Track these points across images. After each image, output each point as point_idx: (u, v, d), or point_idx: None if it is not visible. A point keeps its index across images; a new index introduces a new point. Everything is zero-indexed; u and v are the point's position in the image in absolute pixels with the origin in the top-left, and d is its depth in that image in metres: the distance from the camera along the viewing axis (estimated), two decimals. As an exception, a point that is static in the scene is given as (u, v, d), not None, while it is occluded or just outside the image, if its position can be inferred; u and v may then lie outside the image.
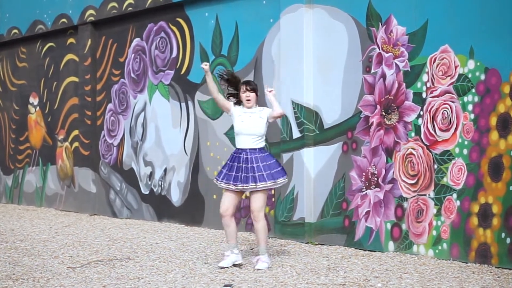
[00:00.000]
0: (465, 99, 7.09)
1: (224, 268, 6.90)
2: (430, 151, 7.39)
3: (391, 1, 7.77)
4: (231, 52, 9.60)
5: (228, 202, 7.09)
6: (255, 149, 7.00)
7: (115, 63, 11.54)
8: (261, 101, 7.63)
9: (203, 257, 7.64)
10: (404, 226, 7.62)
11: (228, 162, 7.11)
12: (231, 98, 7.24)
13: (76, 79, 12.31)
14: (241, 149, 7.03)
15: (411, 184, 7.56)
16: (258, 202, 7.00)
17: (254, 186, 6.94)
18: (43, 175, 13.13)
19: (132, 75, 11.20)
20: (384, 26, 7.84)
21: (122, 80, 11.41)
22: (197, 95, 10.12)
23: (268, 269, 6.88)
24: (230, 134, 9.55)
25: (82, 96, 12.05)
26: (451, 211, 7.20)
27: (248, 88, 7.07)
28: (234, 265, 6.98)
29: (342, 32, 8.27)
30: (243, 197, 9.32)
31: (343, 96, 8.25)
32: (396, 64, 7.70)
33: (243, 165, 6.95)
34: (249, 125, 7.00)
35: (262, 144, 7.08)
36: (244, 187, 6.97)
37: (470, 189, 7.04)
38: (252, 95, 7.06)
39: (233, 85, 7.21)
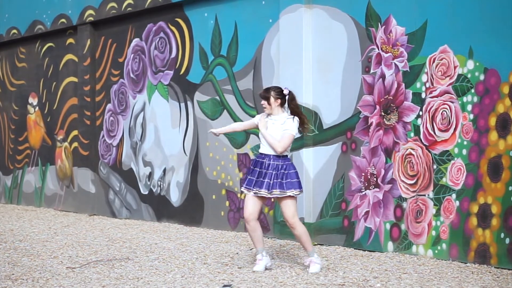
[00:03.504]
0: (465, 99, 7.10)
1: (257, 271, 6.76)
2: (430, 151, 7.39)
3: (391, 1, 7.77)
4: (231, 52, 9.61)
5: (251, 207, 6.83)
6: (278, 156, 6.78)
7: (114, 63, 11.54)
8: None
9: (202, 257, 7.63)
10: (403, 226, 7.62)
11: (251, 167, 6.90)
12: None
13: (75, 79, 12.31)
14: (264, 154, 6.83)
15: (410, 184, 7.56)
16: (289, 209, 6.77)
17: (277, 192, 6.75)
18: (42, 175, 13.13)
19: (132, 75, 11.20)
20: (384, 26, 7.84)
21: (121, 80, 11.41)
22: (196, 95, 10.12)
23: (267, 269, 6.87)
24: (230, 134, 9.54)
25: (81, 96, 12.05)
26: (450, 211, 7.20)
27: (260, 96, 6.94)
28: (266, 268, 6.83)
29: (341, 32, 8.27)
30: (242, 197, 9.33)
31: (343, 96, 8.25)
32: (395, 64, 7.71)
33: (264, 171, 6.79)
34: (271, 132, 6.81)
35: (285, 152, 6.84)
36: (261, 192, 6.78)
37: (469, 189, 7.04)
38: (265, 102, 6.86)
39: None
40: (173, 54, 10.46)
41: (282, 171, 6.77)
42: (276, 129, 6.80)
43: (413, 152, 7.54)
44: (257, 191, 6.77)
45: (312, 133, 8.52)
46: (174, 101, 10.47)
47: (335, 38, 8.32)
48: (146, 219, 10.89)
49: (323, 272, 6.69)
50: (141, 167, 11.05)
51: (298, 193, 6.76)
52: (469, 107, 7.06)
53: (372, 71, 7.95)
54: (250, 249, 8.02)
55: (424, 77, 7.45)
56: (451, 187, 7.20)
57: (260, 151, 6.90)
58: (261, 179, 6.77)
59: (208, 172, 9.90)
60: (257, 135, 7.19)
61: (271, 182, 6.74)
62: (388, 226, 7.76)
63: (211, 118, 9.88)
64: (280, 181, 6.73)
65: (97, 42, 11.89)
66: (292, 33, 8.65)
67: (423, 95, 7.45)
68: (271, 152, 6.80)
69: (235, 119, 9.41)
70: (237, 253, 7.86)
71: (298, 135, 7.19)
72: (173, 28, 10.49)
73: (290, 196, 6.73)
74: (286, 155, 6.88)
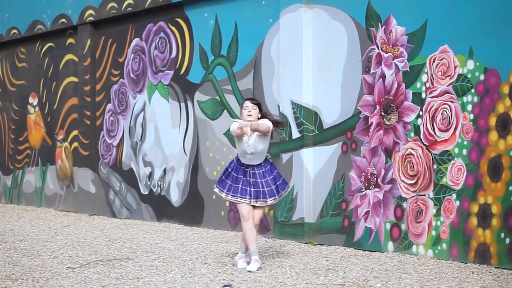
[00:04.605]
0: (465, 99, 7.10)
1: (252, 272, 6.80)
2: (430, 151, 7.39)
3: (391, 1, 7.77)
4: (231, 52, 9.61)
5: (247, 206, 6.96)
6: (261, 164, 6.99)
7: (114, 63, 11.54)
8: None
9: (202, 257, 7.63)
10: (403, 226, 7.62)
11: (233, 173, 6.99)
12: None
13: (75, 79, 12.31)
14: (246, 164, 6.97)
15: (411, 184, 7.56)
16: (258, 215, 7.05)
17: (265, 202, 6.97)
18: (43, 175, 13.13)
19: (132, 75, 11.20)
20: (384, 26, 7.84)
21: (121, 80, 11.41)
22: (196, 95, 10.12)
23: (267, 269, 6.87)
24: (230, 134, 9.53)
25: (81, 96, 12.05)
26: (451, 211, 7.20)
27: (251, 103, 6.94)
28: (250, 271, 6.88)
29: (341, 32, 8.27)
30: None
31: (343, 96, 8.25)
32: (395, 64, 7.70)
33: (252, 180, 6.93)
34: (252, 146, 6.89)
35: (265, 156, 7.04)
36: (253, 202, 6.92)
37: (470, 189, 7.04)
38: (254, 111, 6.92)
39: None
40: (173, 54, 10.46)
41: (271, 176, 7.01)
42: (258, 139, 6.89)
43: (413, 152, 7.54)
44: (254, 202, 6.95)
45: (312, 133, 8.52)
46: (174, 101, 10.47)
47: (335, 38, 8.32)
48: (146, 219, 10.89)
49: (323, 272, 6.69)
50: (141, 167, 11.05)
51: (289, 189, 7.26)
52: (469, 107, 7.06)
53: (372, 71, 7.95)
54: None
55: (424, 77, 7.45)
56: (451, 187, 7.20)
57: (242, 161, 7.00)
58: (253, 188, 6.94)
59: (208, 172, 9.90)
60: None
61: (266, 190, 6.96)
62: (388, 226, 7.76)
63: (211, 118, 9.88)
64: (275, 187, 7.00)
65: (97, 42, 11.89)
66: (292, 33, 8.65)
67: (423, 95, 7.45)
68: (254, 163, 6.97)
69: (235, 119, 9.41)
70: (237, 253, 7.85)
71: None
72: (173, 28, 10.48)
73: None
74: (266, 158, 7.07)
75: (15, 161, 13.92)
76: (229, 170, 7.05)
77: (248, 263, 6.93)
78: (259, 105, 7.03)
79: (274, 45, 8.99)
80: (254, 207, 7.00)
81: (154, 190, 10.80)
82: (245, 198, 6.92)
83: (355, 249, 8.00)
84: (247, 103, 6.99)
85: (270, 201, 6.99)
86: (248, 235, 6.95)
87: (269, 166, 7.04)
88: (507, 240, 6.73)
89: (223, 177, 7.05)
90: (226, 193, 7.00)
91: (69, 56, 12.52)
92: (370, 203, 7.94)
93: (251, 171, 6.96)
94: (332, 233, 8.32)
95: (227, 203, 9.60)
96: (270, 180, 6.97)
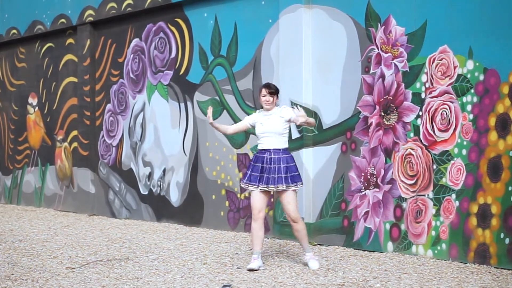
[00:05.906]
0: (464, 99, 7.10)
1: (253, 270, 6.79)
2: (429, 152, 7.39)
3: (390, 2, 7.77)
4: (230, 53, 9.60)
5: (259, 203, 6.93)
6: (279, 149, 6.94)
7: (114, 64, 11.54)
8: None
9: (202, 257, 7.63)
10: (403, 227, 7.62)
11: (251, 163, 7.00)
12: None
13: (75, 80, 12.31)
14: (264, 149, 6.94)
15: (410, 185, 7.56)
16: (292, 204, 6.90)
17: (283, 187, 6.86)
18: (42, 176, 13.12)
19: (131, 75, 11.20)
20: (383, 27, 7.84)
21: (121, 80, 11.41)
22: (196, 96, 10.12)
23: (266, 269, 6.87)
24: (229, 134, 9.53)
25: (81, 96, 12.05)
26: (450, 212, 7.20)
27: (268, 91, 6.97)
28: (251, 270, 6.84)
29: (341, 32, 8.27)
30: (242, 197, 9.35)
31: (342, 97, 8.25)
32: (395, 64, 7.71)
33: (267, 166, 6.88)
34: (268, 125, 6.93)
35: (285, 144, 6.99)
36: (270, 188, 6.87)
37: (469, 189, 7.04)
38: (271, 99, 6.97)
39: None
40: (173, 54, 10.46)
41: (285, 164, 6.90)
42: (273, 120, 6.93)
43: (412, 152, 7.54)
44: (265, 187, 6.85)
45: (312, 133, 8.52)
46: (173, 101, 10.47)
47: (335, 38, 8.32)
48: (146, 219, 10.89)
49: (323, 272, 6.69)
50: (141, 167, 11.05)
51: (301, 185, 7.00)
52: (469, 107, 7.06)
53: (371, 71, 7.95)
54: (237, 253, 7.95)
55: (423, 77, 7.45)
56: (450, 187, 7.20)
57: (259, 148, 7.00)
58: (266, 174, 6.86)
59: (208, 172, 9.90)
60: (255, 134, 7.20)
61: (276, 176, 6.85)
62: (387, 226, 7.76)
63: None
64: (285, 176, 6.86)
65: (96, 42, 11.89)
66: (292, 33, 8.65)
67: (423, 95, 7.45)
68: (271, 146, 6.92)
69: (235, 119, 9.41)
70: (236, 253, 7.86)
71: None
72: (172, 28, 10.48)
73: (292, 190, 6.89)
74: (286, 148, 7.00)
75: (15, 161, 13.92)
76: (252, 163, 7.01)
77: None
78: (275, 93, 7.01)
79: (274, 45, 8.99)
80: (281, 194, 6.89)
81: (154, 190, 10.80)
82: (257, 184, 6.86)
83: (354, 249, 8.00)
84: (264, 91, 7.00)
85: (280, 186, 6.85)
86: (256, 235, 6.92)
87: (287, 155, 6.97)
88: (507, 240, 6.73)
89: (247, 171, 7.00)
90: (245, 183, 6.97)
91: (68, 56, 12.52)
92: (369, 203, 7.94)
93: (268, 156, 6.91)
94: (332, 233, 8.32)
95: (227, 203, 9.60)
96: (282, 168, 6.88)
